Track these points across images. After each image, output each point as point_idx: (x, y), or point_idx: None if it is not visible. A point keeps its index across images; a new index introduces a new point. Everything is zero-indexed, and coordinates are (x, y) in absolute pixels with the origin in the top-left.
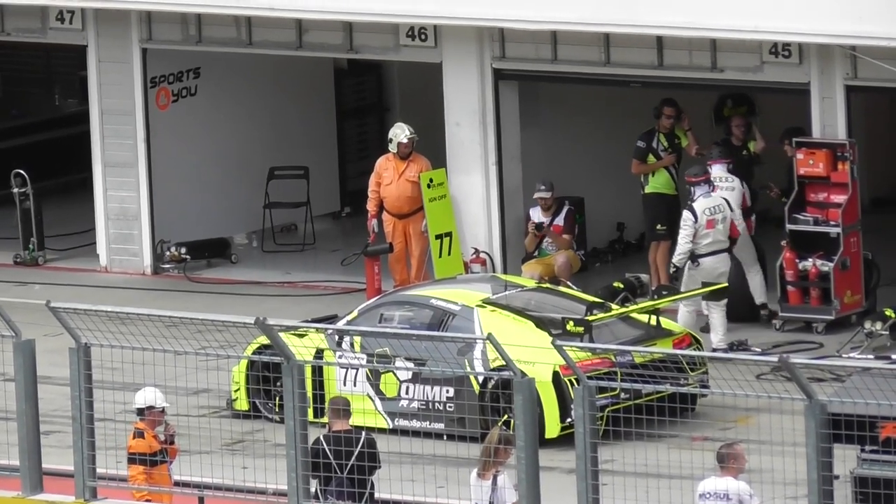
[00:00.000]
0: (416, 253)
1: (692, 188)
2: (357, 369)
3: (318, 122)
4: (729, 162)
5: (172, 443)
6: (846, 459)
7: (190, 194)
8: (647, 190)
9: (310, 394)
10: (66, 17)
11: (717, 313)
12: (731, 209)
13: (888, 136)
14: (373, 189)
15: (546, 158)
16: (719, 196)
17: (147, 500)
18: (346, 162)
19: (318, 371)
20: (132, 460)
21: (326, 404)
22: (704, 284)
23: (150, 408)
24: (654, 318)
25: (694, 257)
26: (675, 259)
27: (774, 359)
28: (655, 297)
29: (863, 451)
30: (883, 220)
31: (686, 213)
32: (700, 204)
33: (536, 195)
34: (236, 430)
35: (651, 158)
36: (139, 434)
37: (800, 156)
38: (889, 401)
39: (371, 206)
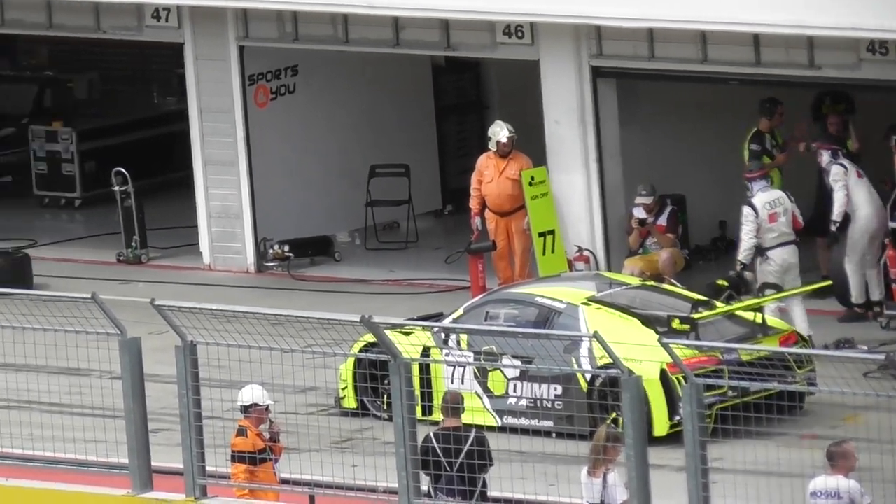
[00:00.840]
0: (519, 251)
1: (750, 184)
2: (464, 367)
3: (417, 119)
4: (836, 149)
5: (277, 440)
6: None
7: (291, 192)
8: None
9: (417, 392)
10: (161, 15)
11: (797, 306)
12: (792, 201)
13: None
14: (475, 187)
15: (646, 156)
16: (778, 189)
17: (249, 499)
18: (446, 159)
19: (425, 369)
20: (236, 458)
21: (435, 402)
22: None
23: (255, 405)
24: (759, 315)
25: (762, 251)
26: (741, 256)
27: (881, 357)
28: (760, 294)
29: None
30: None
31: (747, 209)
32: (759, 199)
33: (638, 200)
34: (345, 427)
35: (765, 159)
36: (242, 432)
37: None
38: None
39: (474, 204)
